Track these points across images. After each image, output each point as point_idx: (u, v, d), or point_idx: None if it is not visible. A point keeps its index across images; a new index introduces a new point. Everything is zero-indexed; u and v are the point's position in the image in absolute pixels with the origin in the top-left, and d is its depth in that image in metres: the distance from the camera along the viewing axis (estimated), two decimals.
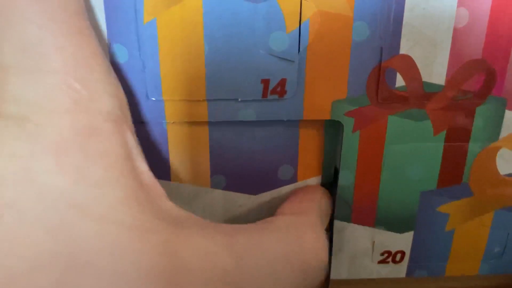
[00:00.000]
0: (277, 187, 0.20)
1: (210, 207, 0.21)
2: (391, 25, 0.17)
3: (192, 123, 0.19)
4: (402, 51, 0.17)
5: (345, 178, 0.19)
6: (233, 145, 0.20)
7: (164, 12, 0.17)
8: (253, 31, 0.17)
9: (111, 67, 0.15)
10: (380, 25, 0.17)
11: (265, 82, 0.18)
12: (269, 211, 0.21)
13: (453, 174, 0.20)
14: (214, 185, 0.20)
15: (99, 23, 0.17)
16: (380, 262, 0.21)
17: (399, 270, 0.22)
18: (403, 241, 0.21)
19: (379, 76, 0.18)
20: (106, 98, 0.14)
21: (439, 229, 0.21)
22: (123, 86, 0.17)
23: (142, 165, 0.15)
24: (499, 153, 0.19)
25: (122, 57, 0.17)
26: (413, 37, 0.17)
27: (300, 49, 0.17)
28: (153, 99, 0.18)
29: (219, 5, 0.17)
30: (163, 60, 0.17)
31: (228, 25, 0.17)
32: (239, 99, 0.18)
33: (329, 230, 0.20)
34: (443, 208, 0.20)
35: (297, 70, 0.17)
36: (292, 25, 0.17)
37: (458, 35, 0.17)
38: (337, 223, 0.20)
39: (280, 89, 0.18)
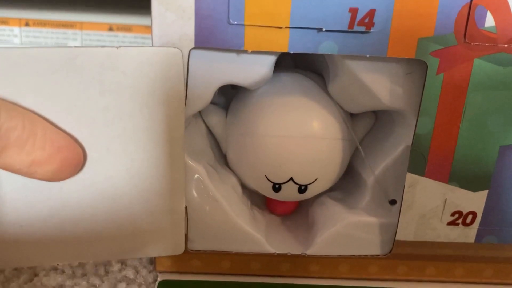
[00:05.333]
0: None
1: None
2: None
3: None
4: None
5: (424, 126, 0.18)
6: None
7: None
8: None
9: None
10: None
11: (353, 11, 0.17)
12: None
13: None
14: None
15: None
16: (450, 223, 0.20)
17: (468, 235, 0.20)
18: (475, 201, 0.20)
19: (469, 13, 0.17)
20: None
21: None
22: (204, 9, 0.17)
23: None
24: None
25: None
26: None
27: None
28: (235, 23, 0.17)
29: None
30: None
31: None
32: (323, 29, 0.17)
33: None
34: None
35: (388, 0, 0.17)
36: None
37: None
38: (409, 177, 0.19)
39: (368, 21, 0.17)
